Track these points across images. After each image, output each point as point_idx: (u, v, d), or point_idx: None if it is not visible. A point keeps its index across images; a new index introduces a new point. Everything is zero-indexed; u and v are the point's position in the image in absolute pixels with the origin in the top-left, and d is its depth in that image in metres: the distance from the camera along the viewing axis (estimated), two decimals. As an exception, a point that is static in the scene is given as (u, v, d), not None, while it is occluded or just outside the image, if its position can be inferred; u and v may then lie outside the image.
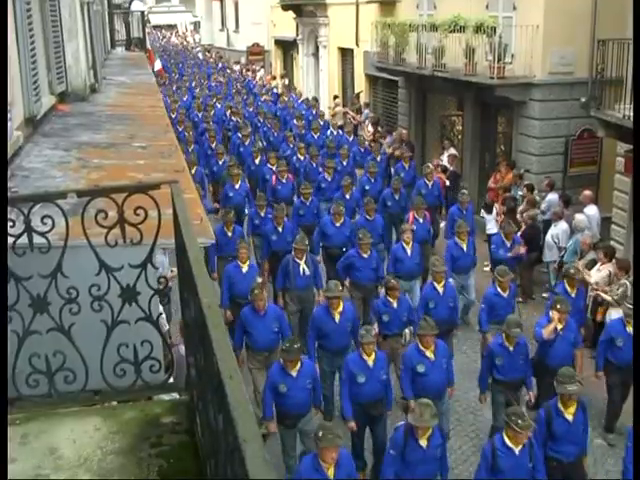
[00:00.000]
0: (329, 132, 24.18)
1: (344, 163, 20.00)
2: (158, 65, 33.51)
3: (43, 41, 9.53)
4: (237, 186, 17.06)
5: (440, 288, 11.90)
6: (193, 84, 36.02)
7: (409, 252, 13.61)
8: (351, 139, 23.37)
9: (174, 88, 34.39)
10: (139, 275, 4.23)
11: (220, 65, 44.86)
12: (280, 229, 14.34)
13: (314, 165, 19.75)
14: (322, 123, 25.18)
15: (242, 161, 20.79)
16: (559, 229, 14.76)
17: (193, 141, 22.05)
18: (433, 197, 17.48)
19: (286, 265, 12.85)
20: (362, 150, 21.49)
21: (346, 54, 31.23)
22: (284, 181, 18.06)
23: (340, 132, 24.27)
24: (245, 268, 12.47)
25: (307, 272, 12.78)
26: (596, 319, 12.58)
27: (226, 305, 12.29)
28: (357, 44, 28.98)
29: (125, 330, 4.31)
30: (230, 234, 14.12)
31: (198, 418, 3.69)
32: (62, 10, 10.97)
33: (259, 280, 12.89)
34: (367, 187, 18.05)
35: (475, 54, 18.25)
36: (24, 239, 4.18)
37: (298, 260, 12.70)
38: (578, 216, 14.71)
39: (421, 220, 15.16)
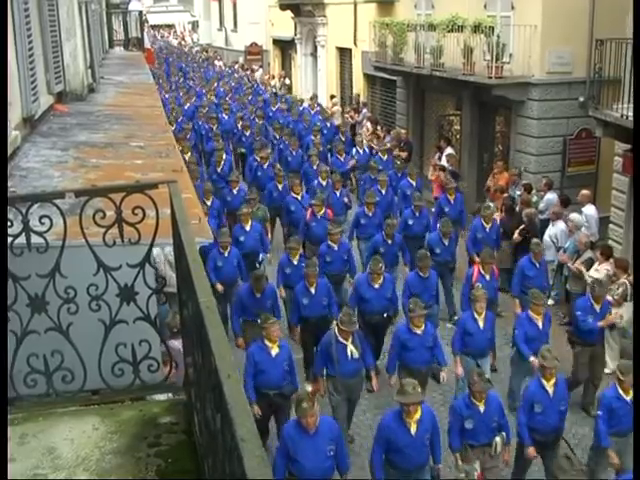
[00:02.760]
0: (354, 151, 21.20)
1: (383, 192, 16.81)
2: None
3: (41, 41, 9.52)
4: (248, 227, 14.28)
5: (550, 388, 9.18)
6: (201, 89, 32.65)
7: (481, 324, 10.79)
8: (385, 158, 20.38)
9: (178, 93, 31.24)
10: (137, 275, 4.23)
11: (231, 69, 42.37)
12: (313, 290, 11.59)
13: (338, 195, 16.93)
14: (344, 139, 22.68)
15: (259, 186, 17.98)
16: (557, 229, 14.75)
17: (196, 162, 19.02)
18: (492, 241, 14.65)
19: (327, 347, 10.08)
20: (398, 174, 18.59)
21: (344, 54, 31.23)
22: (319, 217, 15.16)
23: (367, 150, 21.51)
24: (275, 350, 9.62)
25: (356, 355, 10.02)
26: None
27: (252, 399, 9.41)
28: (355, 44, 28.98)
29: (123, 330, 4.31)
30: (259, 295, 11.54)
31: (196, 418, 3.69)
32: (60, 10, 10.96)
33: (308, 388, 10.19)
34: (411, 222, 15.41)
35: (473, 54, 18.23)
36: (22, 239, 4.18)
37: (344, 341, 9.97)
38: (574, 215, 14.72)
39: (488, 277, 12.45)
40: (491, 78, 17.62)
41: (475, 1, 19.23)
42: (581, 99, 17.15)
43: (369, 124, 24.98)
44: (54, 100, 10.38)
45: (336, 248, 13.41)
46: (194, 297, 2.72)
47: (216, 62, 44.22)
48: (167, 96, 28.38)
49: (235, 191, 16.91)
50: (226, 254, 12.94)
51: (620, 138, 14.30)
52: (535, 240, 13.67)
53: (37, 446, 3.92)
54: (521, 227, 15.01)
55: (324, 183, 17.68)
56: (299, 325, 11.86)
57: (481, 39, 17.84)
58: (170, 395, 4.67)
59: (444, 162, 19.87)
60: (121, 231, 4.09)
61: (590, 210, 15.06)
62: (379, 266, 11.71)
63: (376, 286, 11.79)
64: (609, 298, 11.97)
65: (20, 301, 4.21)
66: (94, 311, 4.24)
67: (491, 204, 15.99)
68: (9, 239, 4.15)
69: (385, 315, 12.03)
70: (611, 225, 15.26)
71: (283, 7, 34.98)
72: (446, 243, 14.16)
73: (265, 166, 18.96)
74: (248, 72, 39.77)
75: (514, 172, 17.70)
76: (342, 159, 20.71)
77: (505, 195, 16.82)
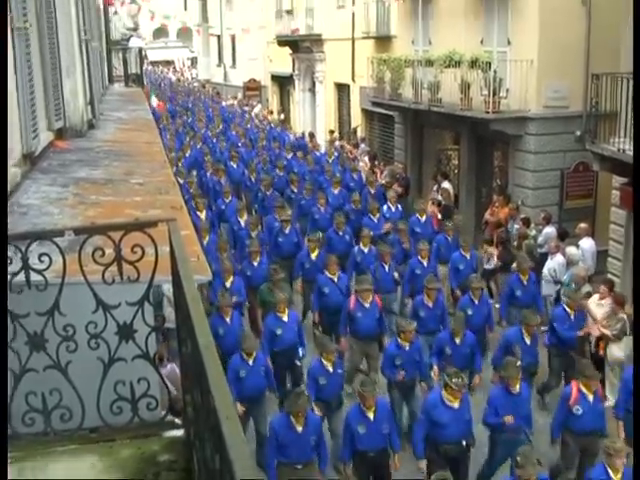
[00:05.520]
0: (385, 208, 18.15)
1: (424, 263, 14.42)
2: (155, 102, 33.50)
3: (42, 78, 9.58)
4: (285, 317, 11.73)
5: None
6: (208, 132, 29.30)
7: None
8: (424, 219, 17.19)
9: (183, 136, 27.93)
10: (136, 313, 4.23)
11: (240, 108, 39.42)
12: (371, 415, 9.30)
13: (387, 269, 14.16)
14: (374, 191, 19.74)
15: (280, 253, 15.88)
16: (555, 262, 14.77)
17: (209, 228, 15.72)
18: (530, 297, 13.58)
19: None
20: (449, 240, 15.72)
21: (342, 89, 31.45)
22: (367, 305, 12.24)
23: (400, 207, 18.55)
24: None
25: None
26: (598, 353, 12.55)
27: None
28: (353, 79, 29.18)
29: (122, 367, 4.30)
30: (301, 428, 9.01)
31: (195, 456, 3.67)
32: (61, 47, 11.04)
33: None
34: (470, 311, 12.76)
35: (470, 89, 18.37)
36: (21, 277, 4.19)
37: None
38: (570, 249, 14.76)
39: (528, 340, 11.42)
40: (488, 113, 17.75)
41: (472, 37, 19.42)
42: (578, 133, 17.26)
43: (367, 159, 25.08)
44: (54, 136, 10.42)
45: (408, 348, 10.94)
46: (193, 336, 2.73)
47: (225, 101, 42.64)
48: (168, 137, 26.02)
49: (256, 263, 14.23)
50: (251, 362, 10.44)
51: (617, 172, 14.38)
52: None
53: (35, 485, 3.90)
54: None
55: (365, 250, 15.10)
56: (351, 463, 9.51)
57: (478, 74, 17.99)
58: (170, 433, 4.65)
59: (438, 196, 19.95)
60: (120, 269, 4.10)
61: (587, 244, 15.09)
62: (456, 380, 9.20)
63: (455, 406, 9.32)
64: (606, 332, 12.05)
65: (19, 339, 4.20)
66: (93, 349, 4.23)
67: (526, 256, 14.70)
68: (9, 277, 4.15)
69: (464, 444, 9.52)
70: (609, 258, 15.28)
71: (281, 43, 35.31)
72: (528, 341, 11.44)
73: (287, 230, 16.05)
74: (246, 108, 39.88)
75: (512, 206, 17.76)
76: (375, 219, 17.23)
77: (501, 229, 16.89)
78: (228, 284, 12.89)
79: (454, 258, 14.88)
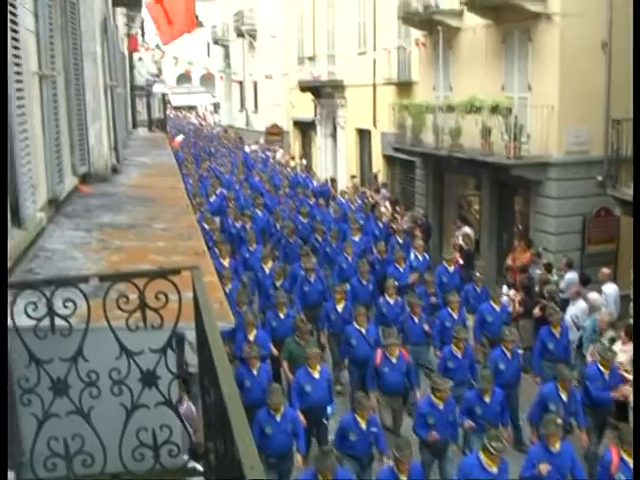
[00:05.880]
0: (412, 256, 17.51)
1: (455, 316, 14.04)
2: (179, 137, 33.69)
3: (67, 124, 9.71)
4: (317, 374, 11.32)
5: None
6: (232, 178, 29.13)
7: None
8: (452, 270, 16.86)
9: (207, 181, 27.58)
10: (159, 359, 4.24)
11: (263, 153, 39.00)
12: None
13: (416, 321, 13.77)
14: (402, 241, 19.20)
15: (306, 302, 15.34)
16: (578, 308, 14.67)
17: (231, 276, 15.30)
18: (562, 351, 13.18)
19: None
20: (478, 290, 15.47)
21: (364, 135, 31.61)
22: (395, 360, 11.99)
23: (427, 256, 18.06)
24: None
25: None
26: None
27: None
28: (374, 125, 29.33)
29: (144, 414, 4.31)
30: None
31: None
32: (87, 94, 11.20)
33: None
34: (502, 366, 12.31)
35: (491, 134, 18.44)
36: (46, 322, 4.21)
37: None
38: (592, 295, 14.66)
39: (565, 397, 10.94)
40: (509, 158, 17.78)
41: (493, 83, 19.54)
42: (599, 178, 17.23)
43: (388, 204, 25.12)
44: (78, 181, 10.54)
45: (442, 407, 10.55)
46: (216, 385, 2.73)
47: (248, 147, 42.25)
48: (191, 182, 25.99)
49: (282, 315, 13.79)
50: (278, 417, 10.08)
51: (640, 216, 14.31)
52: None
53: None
54: (541, 303, 14.95)
55: (391, 301, 14.69)
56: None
57: (499, 120, 18.05)
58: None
59: (460, 241, 19.92)
60: (144, 316, 4.12)
61: (610, 289, 15.00)
62: (496, 444, 9.01)
63: (494, 470, 9.09)
64: (629, 377, 11.83)
65: (42, 384, 4.22)
66: (116, 395, 4.25)
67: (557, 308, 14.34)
68: (33, 322, 4.18)
69: None
70: (632, 303, 15.15)
71: (303, 89, 35.61)
72: (565, 398, 10.98)
73: (312, 279, 15.61)
74: (269, 153, 40.09)
75: (534, 251, 17.71)
76: (402, 269, 16.80)
77: (524, 275, 16.82)
78: (252, 337, 12.56)
79: (483, 309, 14.51)
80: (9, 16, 5.99)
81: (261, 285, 16.30)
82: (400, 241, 19.26)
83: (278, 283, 15.75)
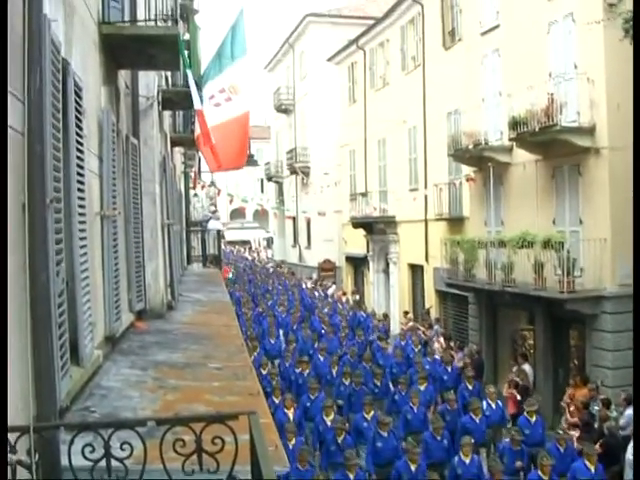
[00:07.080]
0: (485, 405, 16.03)
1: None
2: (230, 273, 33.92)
3: (126, 262, 9.97)
4: None
5: None
6: (289, 318, 27.49)
7: None
8: (534, 420, 15.25)
9: (264, 317, 26.98)
10: (214, 503, 4.20)
11: (322, 292, 37.09)
12: None
13: None
14: (471, 387, 17.62)
15: (378, 460, 13.95)
16: (639, 447, 14.18)
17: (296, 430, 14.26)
18: None
19: None
20: (561, 450, 13.73)
21: (416, 270, 31.75)
22: None
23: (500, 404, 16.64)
24: None
25: None
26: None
27: None
28: (427, 260, 29.51)
29: None
30: None
31: None
32: (145, 232, 11.52)
33: None
34: None
35: (544, 269, 18.41)
36: (102, 463, 4.22)
37: None
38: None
39: None
40: (563, 293, 17.70)
41: (544, 217, 19.66)
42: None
43: (442, 340, 24.91)
44: (134, 318, 10.70)
45: None
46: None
47: (304, 283, 41.06)
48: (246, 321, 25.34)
49: (352, 476, 12.49)
50: None
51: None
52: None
53: None
54: (601, 440, 14.47)
55: (467, 460, 13.20)
56: None
57: (551, 254, 18.05)
58: None
59: (516, 377, 19.56)
60: (200, 460, 4.12)
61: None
62: None
63: None
64: None
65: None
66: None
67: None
68: (90, 463, 4.19)
69: None
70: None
71: (356, 225, 36.11)
72: None
73: (386, 434, 14.18)
74: (329, 291, 39.50)
75: (591, 386, 17.31)
76: (477, 420, 15.29)
77: (585, 411, 16.39)
78: None
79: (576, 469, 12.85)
80: (76, 160, 6.28)
81: (323, 439, 14.88)
82: (470, 387, 17.72)
83: (339, 439, 14.20)
